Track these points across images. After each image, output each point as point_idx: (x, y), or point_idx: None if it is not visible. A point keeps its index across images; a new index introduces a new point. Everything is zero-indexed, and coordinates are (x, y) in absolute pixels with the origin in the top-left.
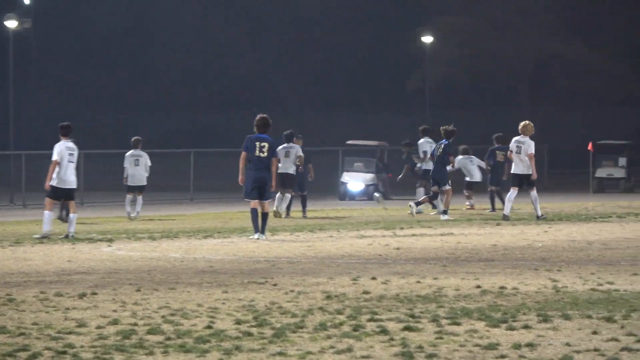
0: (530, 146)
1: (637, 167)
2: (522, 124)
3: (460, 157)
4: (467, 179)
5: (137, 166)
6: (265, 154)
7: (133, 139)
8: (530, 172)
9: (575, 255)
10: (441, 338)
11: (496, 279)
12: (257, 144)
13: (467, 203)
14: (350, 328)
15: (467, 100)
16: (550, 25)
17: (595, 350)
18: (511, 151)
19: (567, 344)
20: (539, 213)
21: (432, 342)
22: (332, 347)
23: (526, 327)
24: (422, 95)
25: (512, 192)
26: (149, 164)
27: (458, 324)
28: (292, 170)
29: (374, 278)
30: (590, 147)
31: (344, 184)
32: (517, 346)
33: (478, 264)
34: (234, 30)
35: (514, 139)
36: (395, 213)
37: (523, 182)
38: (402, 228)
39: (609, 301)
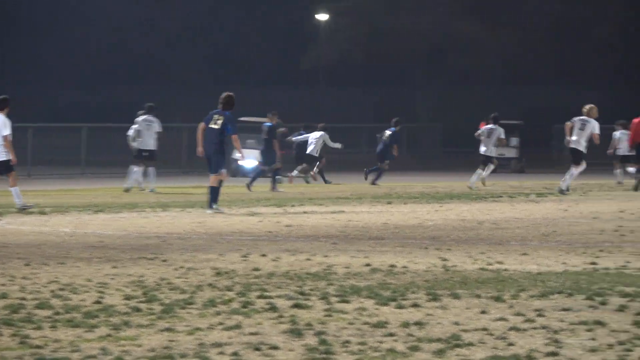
0: (595, 127)
1: (528, 147)
2: (587, 107)
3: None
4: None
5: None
6: (218, 126)
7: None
8: (582, 150)
9: (465, 234)
10: (330, 316)
11: (386, 257)
12: (215, 116)
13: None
14: (239, 305)
15: (363, 79)
16: (446, 4)
17: (484, 329)
18: (572, 125)
19: (456, 323)
20: (564, 187)
21: (321, 319)
22: (220, 323)
23: (415, 305)
24: (316, 73)
25: (580, 167)
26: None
27: (347, 301)
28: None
29: (264, 255)
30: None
31: (236, 160)
32: (405, 324)
33: (368, 242)
34: (135, 9)
35: (577, 118)
36: (288, 190)
37: (582, 156)
38: (293, 205)
39: (498, 281)
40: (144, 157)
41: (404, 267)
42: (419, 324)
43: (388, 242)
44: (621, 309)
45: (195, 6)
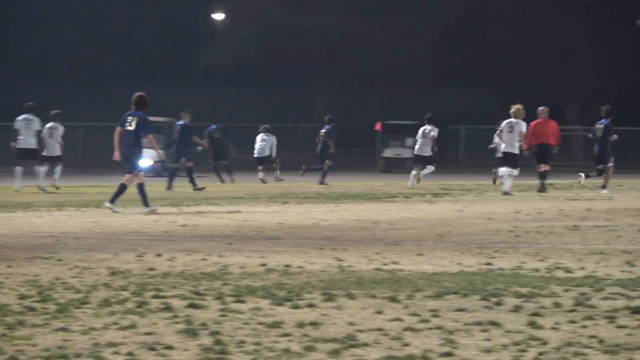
0: (522, 126)
1: None
2: (514, 108)
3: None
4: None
5: (51, 138)
6: (132, 127)
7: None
8: (516, 152)
9: (361, 234)
10: (225, 316)
11: (281, 257)
12: (129, 118)
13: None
14: (134, 304)
15: (259, 78)
16: (343, 4)
17: (379, 329)
18: (501, 131)
19: (351, 323)
20: (505, 188)
21: (216, 319)
22: (115, 323)
23: (310, 305)
24: (213, 72)
25: (512, 170)
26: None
27: (243, 301)
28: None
29: (159, 255)
30: (378, 127)
31: None
32: (301, 325)
33: (264, 242)
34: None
35: (505, 121)
36: (184, 190)
37: (516, 159)
38: (188, 205)
39: (393, 281)
40: (28, 157)
41: (300, 267)
42: (314, 324)
43: (284, 242)
44: (516, 309)
45: (89, 2)
